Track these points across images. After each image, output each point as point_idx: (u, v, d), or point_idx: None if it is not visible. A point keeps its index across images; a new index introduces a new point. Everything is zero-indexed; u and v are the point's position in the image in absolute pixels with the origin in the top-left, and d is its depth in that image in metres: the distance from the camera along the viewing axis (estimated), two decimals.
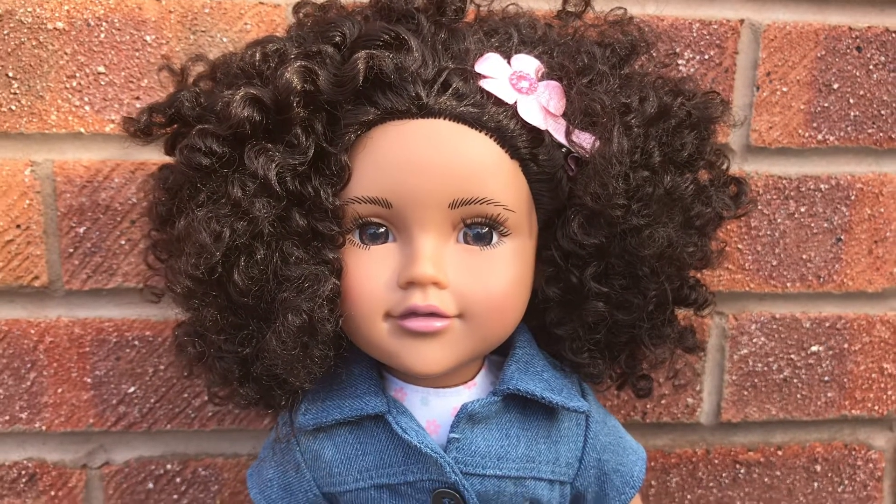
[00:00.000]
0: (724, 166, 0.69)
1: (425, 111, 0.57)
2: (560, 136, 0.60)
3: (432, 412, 0.63)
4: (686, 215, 0.63)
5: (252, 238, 0.57)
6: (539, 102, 0.59)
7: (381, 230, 0.59)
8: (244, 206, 0.57)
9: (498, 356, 0.66)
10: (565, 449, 0.65)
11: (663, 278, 0.64)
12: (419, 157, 0.57)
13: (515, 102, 0.59)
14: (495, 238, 0.59)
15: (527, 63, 0.60)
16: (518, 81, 0.59)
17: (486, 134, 0.58)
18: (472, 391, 0.64)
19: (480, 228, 0.59)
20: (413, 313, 0.58)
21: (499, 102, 0.58)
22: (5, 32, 0.76)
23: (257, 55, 0.59)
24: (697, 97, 0.65)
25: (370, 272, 0.59)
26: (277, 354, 0.58)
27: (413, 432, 0.61)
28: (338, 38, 0.59)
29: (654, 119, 0.60)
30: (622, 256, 0.62)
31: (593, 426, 0.66)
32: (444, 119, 0.58)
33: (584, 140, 0.59)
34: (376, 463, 0.63)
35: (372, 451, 0.63)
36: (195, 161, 0.57)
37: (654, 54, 0.67)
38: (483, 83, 0.58)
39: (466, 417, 0.61)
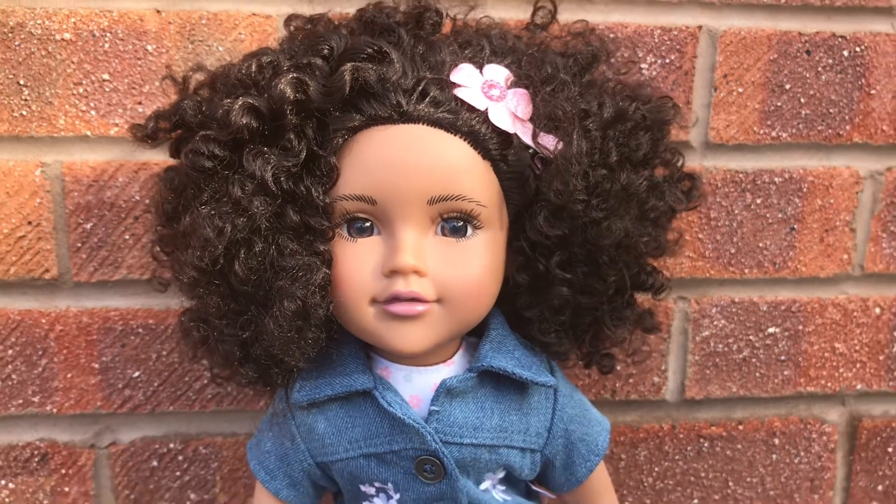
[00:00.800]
0: (679, 163, 0.71)
1: (405, 117, 0.59)
2: (527, 139, 0.62)
3: (415, 388, 0.65)
4: (641, 209, 0.65)
5: (251, 233, 0.59)
6: (508, 109, 0.61)
7: (367, 224, 0.61)
8: (244, 204, 0.58)
9: (474, 337, 0.68)
10: (535, 420, 0.67)
11: (621, 265, 0.66)
12: (400, 159, 0.59)
13: (487, 109, 0.61)
14: (470, 231, 0.61)
15: (497, 73, 0.62)
16: (489, 90, 0.61)
17: (460, 137, 0.60)
18: (450, 368, 0.66)
19: (456, 222, 0.61)
20: (396, 298, 0.60)
21: (472, 109, 0.60)
22: (17, 43, 0.77)
23: (253, 67, 0.61)
24: (652, 102, 0.67)
25: (357, 262, 0.61)
26: (275, 337, 0.60)
27: (397, 406, 0.63)
28: (326, 51, 0.61)
29: (610, 123, 0.63)
30: (584, 246, 0.64)
31: (561, 399, 0.68)
32: (423, 124, 0.60)
33: (549, 142, 0.61)
34: (364, 434, 0.65)
35: (360, 423, 0.65)
36: (199, 164, 0.59)
37: (613, 62, 0.70)
38: (457, 91, 0.61)
39: (445, 392, 0.64)
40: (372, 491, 0.67)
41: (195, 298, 0.65)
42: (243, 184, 0.59)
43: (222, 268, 0.60)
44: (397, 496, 0.66)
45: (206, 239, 0.59)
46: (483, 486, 0.68)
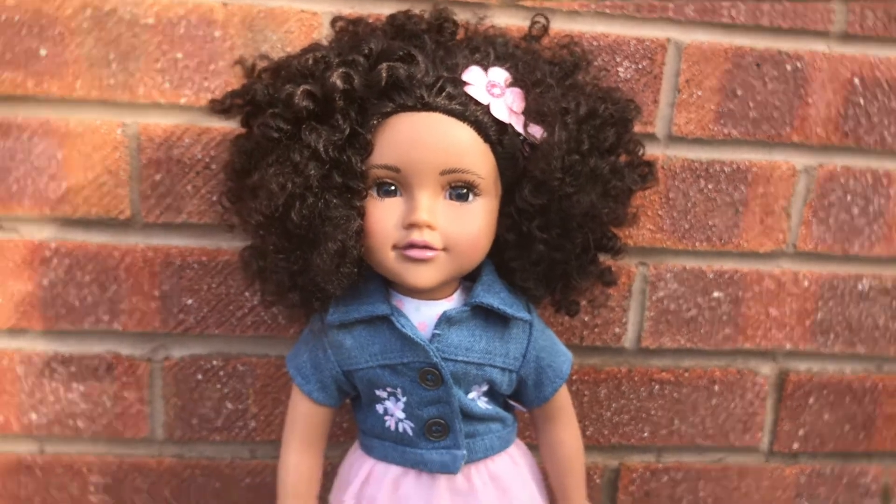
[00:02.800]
0: (640, 153, 0.79)
1: (426, 107, 0.67)
2: (519, 128, 0.70)
3: (422, 316, 0.73)
4: (605, 187, 0.72)
5: (305, 189, 0.67)
6: (506, 104, 0.69)
7: (392, 188, 0.69)
8: (301, 167, 0.66)
9: (469, 282, 0.75)
10: (514, 347, 0.75)
11: (587, 230, 0.73)
12: (421, 138, 0.67)
13: (489, 104, 0.68)
14: (471, 197, 0.69)
15: (499, 74, 0.70)
16: (492, 88, 0.69)
17: (467, 124, 0.68)
18: (450, 303, 0.74)
19: (461, 190, 0.69)
20: (413, 245, 0.68)
21: (477, 103, 0.68)
22: (109, 25, 0.86)
23: (310, 60, 0.69)
24: (620, 103, 0.75)
25: (384, 216, 0.69)
26: (320, 269, 0.68)
27: (409, 328, 0.71)
28: (367, 51, 0.69)
29: (584, 119, 0.71)
30: (558, 213, 0.71)
31: (535, 332, 0.76)
32: (439, 113, 0.67)
33: (536, 131, 0.69)
34: (382, 349, 0.73)
35: (379, 341, 0.73)
36: (268, 134, 0.67)
37: (591, 69, 0.78)
38: (467, 88, 0.68)
39: (446, 320, 0.72)
40: (385, 395, 0.75)
41: (258, 238, 0.73)
42: (301, 151, 0.67)
43: (282, 215, 0.68)
44: (404, 398, 0.74)
45: (271, 192, 0.67)
46: (470, 395, 0.76)
